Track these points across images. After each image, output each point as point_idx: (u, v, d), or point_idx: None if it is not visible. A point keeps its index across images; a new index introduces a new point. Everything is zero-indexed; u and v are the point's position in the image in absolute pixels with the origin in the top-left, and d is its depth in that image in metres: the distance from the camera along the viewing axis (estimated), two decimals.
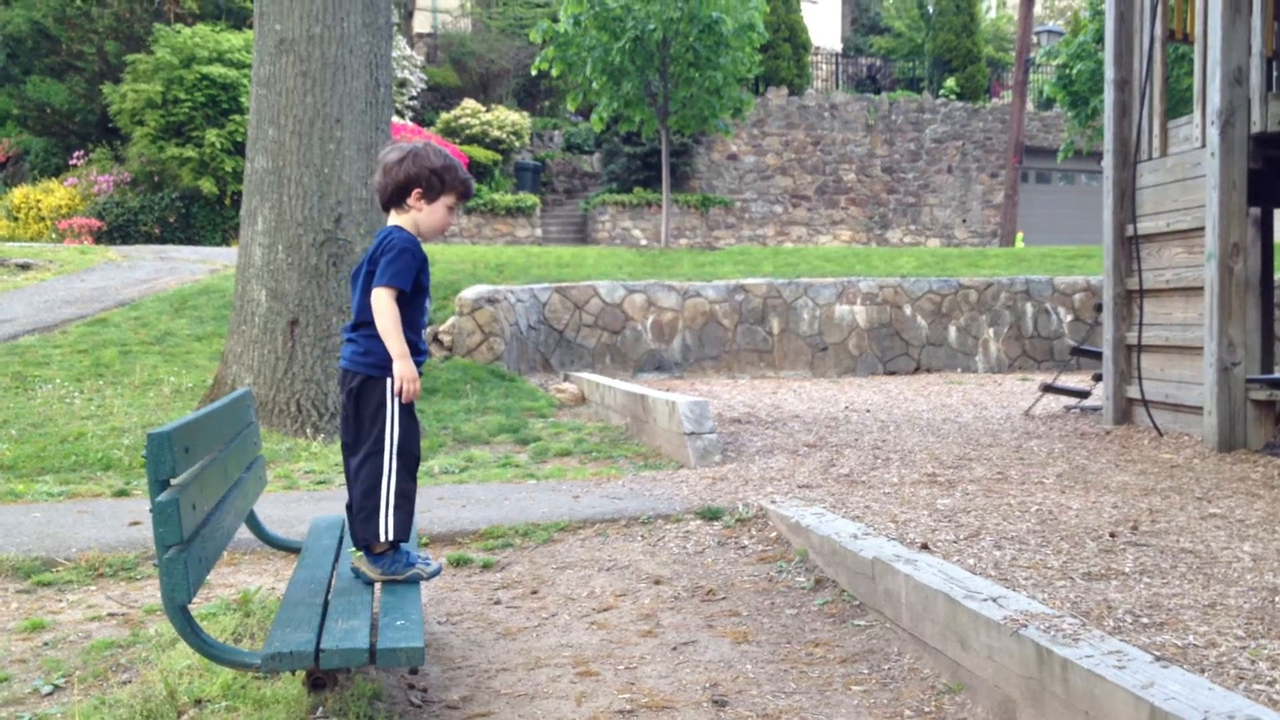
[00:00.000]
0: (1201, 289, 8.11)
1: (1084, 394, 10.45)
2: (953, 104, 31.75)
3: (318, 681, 3.49)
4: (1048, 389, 10.54)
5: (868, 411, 10.60)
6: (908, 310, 15.63)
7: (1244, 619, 3.79)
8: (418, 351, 3.92)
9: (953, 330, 15.77)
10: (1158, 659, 3.21)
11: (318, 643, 3.23)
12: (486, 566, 5.55)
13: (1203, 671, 3.20)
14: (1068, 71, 22.81)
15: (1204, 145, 8.10)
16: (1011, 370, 15.49)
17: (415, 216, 3.94)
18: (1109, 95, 9.50)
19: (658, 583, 5.24)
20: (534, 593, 5.18)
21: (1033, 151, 31.16)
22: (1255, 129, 7.80)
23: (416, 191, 3.91)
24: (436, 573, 4.06)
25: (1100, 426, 9.16)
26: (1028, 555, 4.83)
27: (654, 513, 6.31)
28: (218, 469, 3.74)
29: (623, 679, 4.09)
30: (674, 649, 4.38)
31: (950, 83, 33.33)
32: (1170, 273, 8.70)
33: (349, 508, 3.91)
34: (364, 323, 3.89)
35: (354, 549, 3.95)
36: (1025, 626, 3.53)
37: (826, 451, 8.12)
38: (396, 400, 3.82)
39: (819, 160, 30.24)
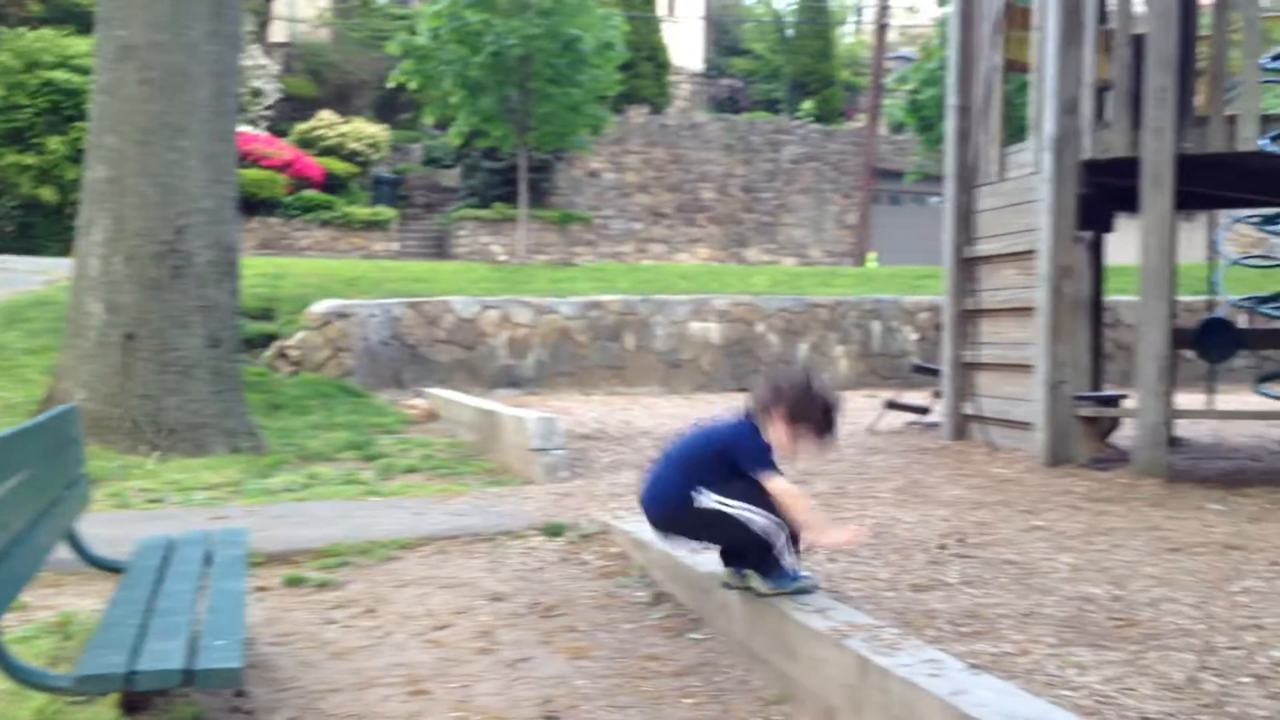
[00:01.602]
0: (1034, 310, 8.39)
1: (924, 410, 10.73)
2: (809, 126, 32.39)
3: (133, 704, 3.40)
4: (891, 405, 10.80)
5: None
6: (760, 328, 15.87)
7: (1057, 627, 3.93)
8: None
9: (804, 348, 16.06)
10: (971, 667, 3.32)
11: (131, 664, 3.15)
12: (323, 585, 5.47)
13: (1014, 678, 3.30)
14: (917, 97, 23.48)
15: (1039, 171, 8.40)
16: (859, 387, 15.81)
17: (770, 432, 4.13)
18: (950, 121, 9.80)
19: (497, 599, 5.22)
20: (370, 611, 5.11)
21: (885, 173, 31.91)
22: (1086, 156, 8.10)
23: (785, 417, 4.10)
24: (815, 586, 4.23)
25: (939, 442, 9.42)
26: (859, 567, 4.93)
27: (497, 529, 6.29)
28: (32, 487, 3.62)
29: (455, 697, 4.06)
30: (509, 666, 4.37)
31: (807, 105, 34.01)
32: (1005, 293, 8.99)
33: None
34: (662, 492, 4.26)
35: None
36: (849, 637, 3.61)
37: None
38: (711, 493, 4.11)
39: (679, 178, 30.55)
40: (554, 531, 6.22)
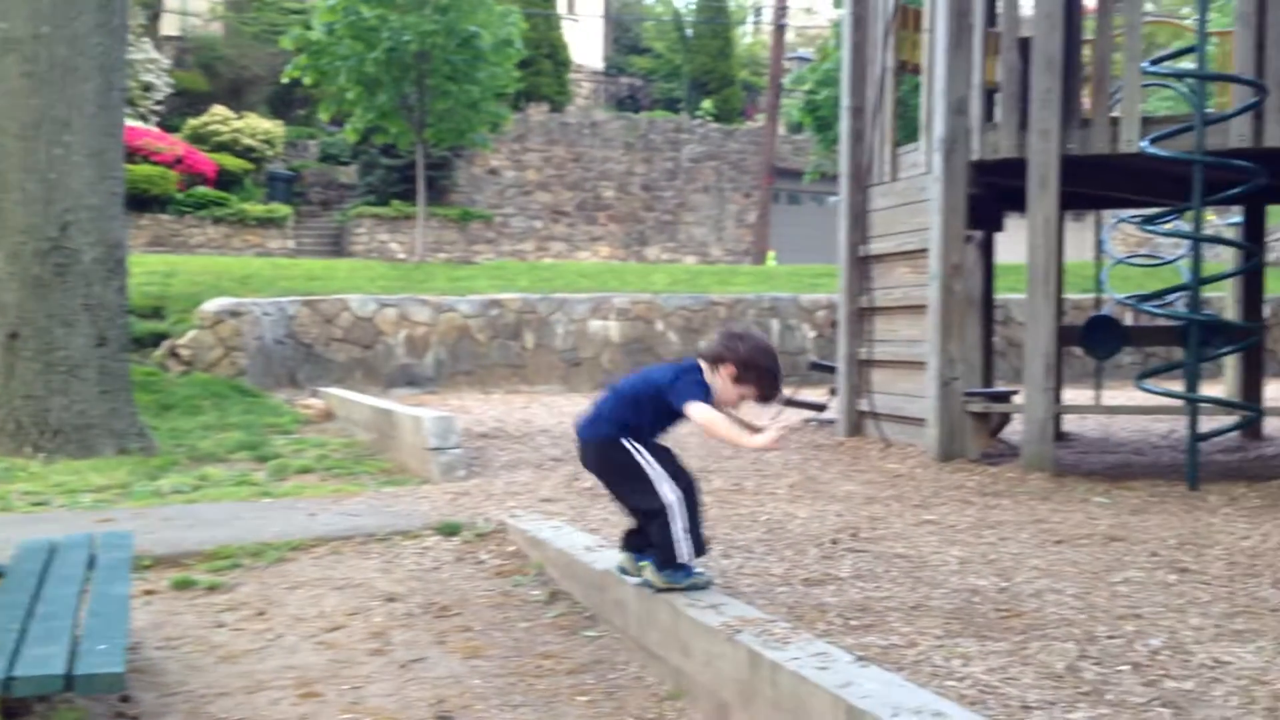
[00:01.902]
0: (925, 307, 8.52)
1: (821, 407, 10.85)
2: (709, 125, 32.58)
3: (12, 711, 3.31)
4: (788, 403, 10.90)
5: None
6: (660, 326, 15.93)
7: (944, 619, 4.01)
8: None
9: (704, 345, 16.13)
10: (859, 659, 3.36)
11: (10, 669, 3.07)
12: (212, 588, 5.37)
13: (900, 670, 3.36)
14: (814, 97, 23.74)
15: (929, 171, 8.54)
16: None
17: (714, 380, 4.20)
18: (844, 122, 9.93)
19: (391, 600, 5.17)
20: (261, 614, 5.03)
21: (784, 173, 32.20)
22: (975, 157, 8.25)
23: (732, 369, 4.17)
24: (709, 583, 4.28)
25: (835, 438, 9.54)
26: (753, 563, 4.98)
27: (392, 529, 6.22)
28: None
29: (347, 699, 4.02)
30: (403, 666, 4.34)
31: (707, 104, 34.21)
32: (899, 291, 9.13)
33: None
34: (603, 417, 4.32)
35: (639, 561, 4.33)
36: (740, 632, 3.64)
37: (572, 465, 8.17)
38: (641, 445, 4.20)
39: (579, 177, 30.54)
40: (450, 531, 6.17)
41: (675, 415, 4.22)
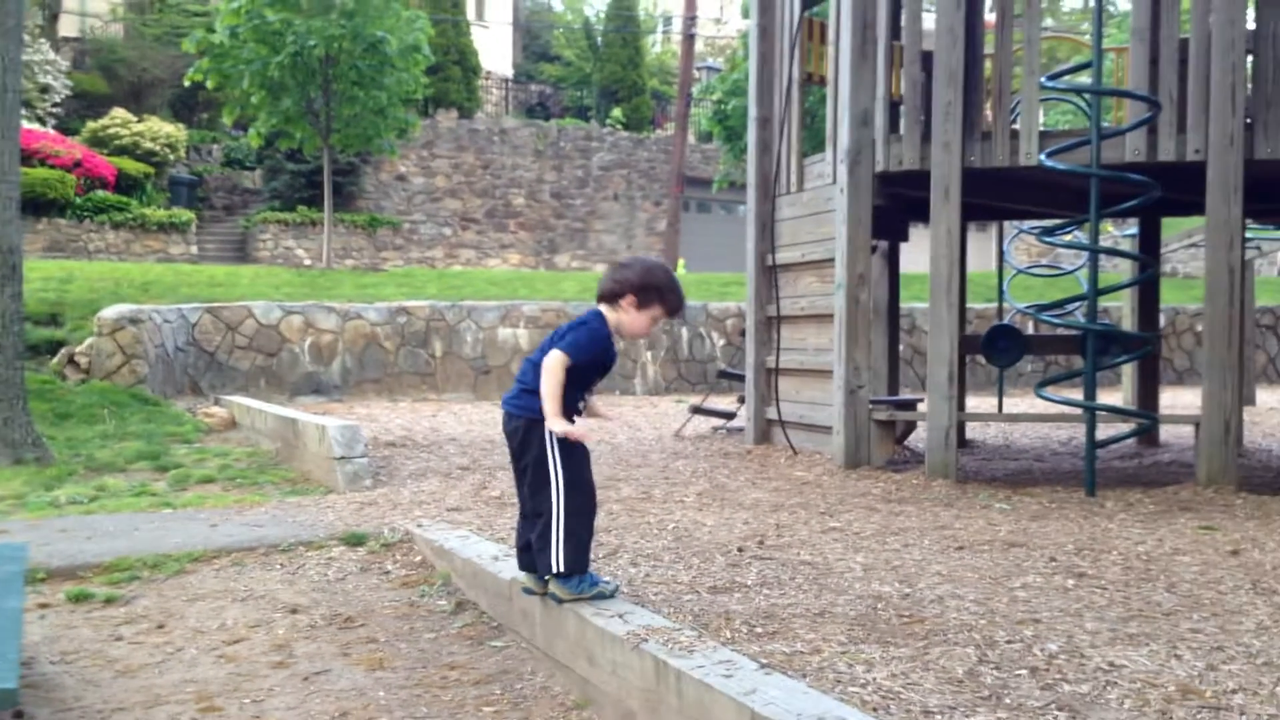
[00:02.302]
0: (832, 316, 8.61)
1: (730, 415, 10.92)
2: (619, 133, 32.65)
3: None
4: (697, 410, 10.96)
5: None
6: None
7: (848, 625, 4.05)
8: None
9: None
10: (763, 666, 3.39)
11: None
12: (110, 601, 5.25)
13: (804, 677, 3.38)
14: (723, 107, 23.90)
15: (835, 182, 8.63)
16: (668, 392, 16.01)
17: (620, 316, 4.19)
18: (752, 132, 10.01)
19: (294, 612, 5.10)
20: (160, 627, 4.94)
21: (694, 182, 32.36)
22: (880, 168, 8.36)
23: (632, 298, 4.16)
24: (615, 591, 4.25)
25: (743, 446, 9.60)
26: (660, 571, 4.99)
27: (296, 540, 6.14)
28: None
29: (248, 713, 3.95)
30: (305, 679, 4.28)
31: (617, 113, 34.28)
32: (805, 300, 9.22)
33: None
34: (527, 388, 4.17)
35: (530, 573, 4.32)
36: (646, 641, 3.64)
37: (480, 474, 8.15)
38: (557, 443, 4.07)
39: (489, 184, 30.41)
40: (355, 541, 6.11)
41: (580, 374, 4.15)
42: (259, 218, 26.22)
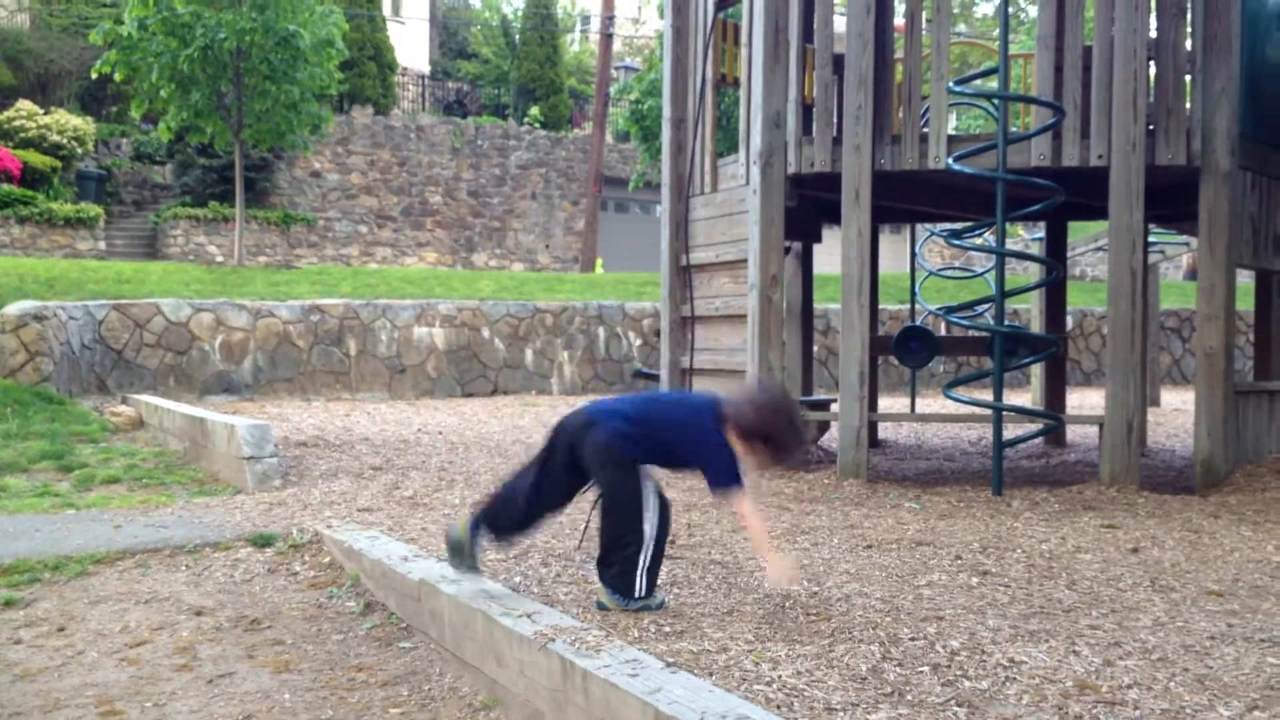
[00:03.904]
0: (746, 317, 8.66)
1: None
2: (537, 132, 32.53)
3: None
4: None
5: (440, 434, 10.63)
6: (486, 333, 15.84)
7: (756, 624, 4.08)
8: None
9: (529, 353, 16.12)
10: (670, 665, 3.40)
11: None
12: (8, 604, 5.14)
13: (710, 675, 3.40)
14: (640, 107, 23.92)
15: (748, 183, 8.68)
16: (585, 392, 16.00)
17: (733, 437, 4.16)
18: (666, 133, 10.02)
19: (199, 614, 5.03)
20: (61, 630, 4.84)
21: (612, 181, 32.38)
22: (792, 170, 8.42)
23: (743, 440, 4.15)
24: (662, 604, 4.27)
25: None
26: (571, 571, 4.99)
27: (202, 541, 6.04)
28: None
29: (150, 716, 3.89)
30: (210, 682, 4.22)
31: (535, 111, 34.16)
32: (719, 301, 9.26)
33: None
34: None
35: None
36: (553, 640, 3.64)
37: (392, 474, 8.08)
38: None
39: (405, 181, 30.15)
40: (263, 542, 6.03)
41: (677, 466, 4.36)
42: (169, 213, 25.74)
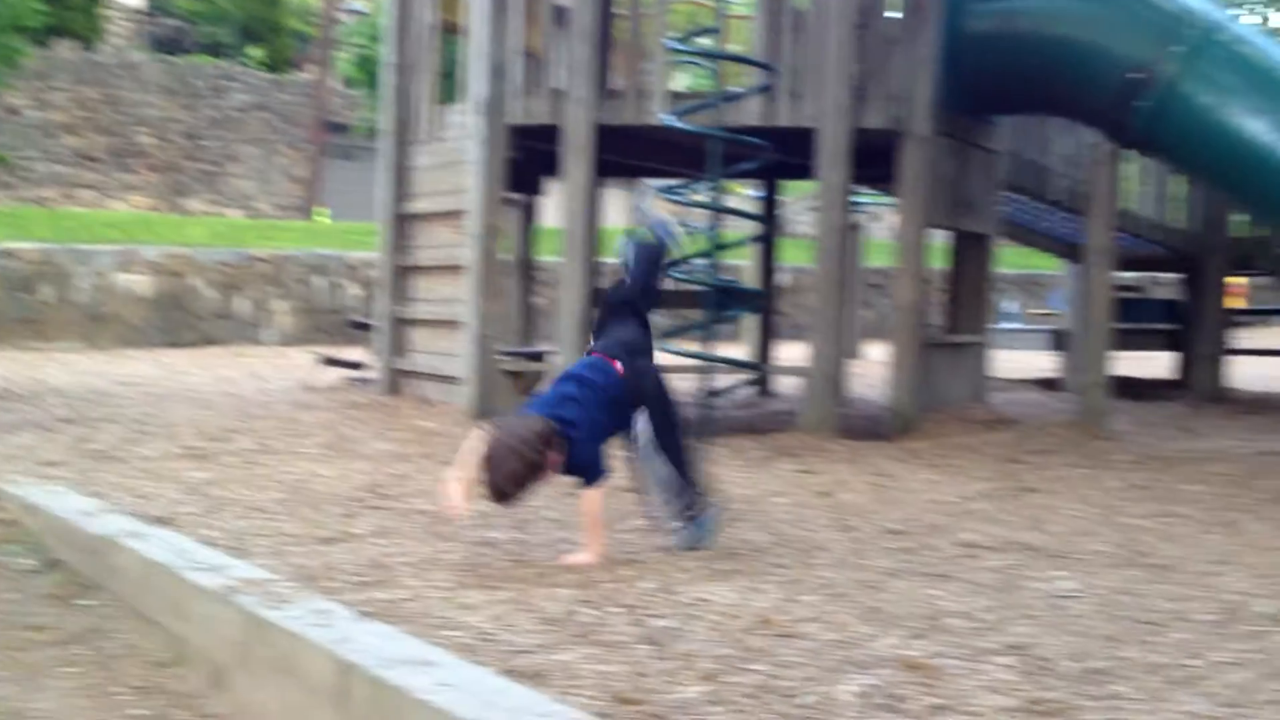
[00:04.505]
0: (465, 268, 8.59)
1: (358, 365, 10.73)
2: (258, 74, 31.29)
3: None
4: (328, 361, 10.71)
5: (139, 385, 10.16)
6: (196, 281, 15.21)
7: (456, 572, 4.06)
8: None
9: (243, 303, 15.56)
10: (361, 615, 3.34)
11: None
12: None
13: (404, 623, 3.36)
14: (366, 52, 23.37)
15: (471, 133, 8.58)
16: (302, 343, 15.57)
17: None
18: (388, 78, 9.81)
19: None
20: None
21: (339, 128, 31.43)
22: (514, 121, 8.37)
23: None
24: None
25: (372, 397, 9.46)
26: (271, 524, 4.85)
27: None
28: None
29: None
30: None
31: (256, 52, 32.83)
32: (439, 251, 9.15)
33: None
34: None
35: None
36: (240, 593, 3.52)
37: (84, 427, 7.65)
38: None
39: (113, 121, 28.50)
40: None
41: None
42: None
